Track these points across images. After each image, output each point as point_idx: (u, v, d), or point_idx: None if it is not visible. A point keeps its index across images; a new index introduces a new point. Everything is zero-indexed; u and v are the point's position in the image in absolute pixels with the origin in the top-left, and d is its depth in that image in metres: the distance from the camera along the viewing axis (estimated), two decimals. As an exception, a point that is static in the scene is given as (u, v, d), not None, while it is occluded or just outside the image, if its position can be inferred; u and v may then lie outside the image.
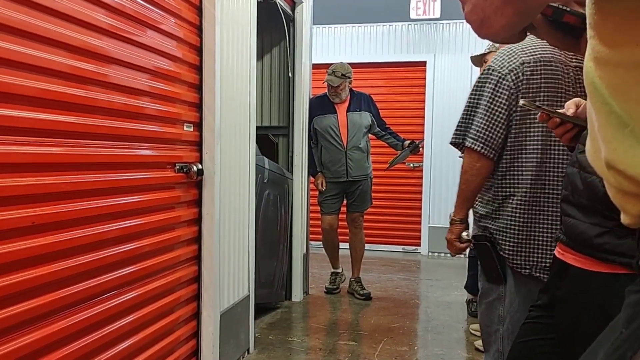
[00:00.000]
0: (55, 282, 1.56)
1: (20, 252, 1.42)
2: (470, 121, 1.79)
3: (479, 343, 3.13)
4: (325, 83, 4.08)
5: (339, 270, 4.42)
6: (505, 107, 1.69)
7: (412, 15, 5.95)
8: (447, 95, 5.98)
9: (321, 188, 4.16)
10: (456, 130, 1.85)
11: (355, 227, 4.34)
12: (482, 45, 3.33)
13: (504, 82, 1.69)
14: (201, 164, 2.39)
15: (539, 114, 1.17)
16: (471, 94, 1.82)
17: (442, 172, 5.93)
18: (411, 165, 6.17)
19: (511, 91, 1.69)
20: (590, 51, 0.53)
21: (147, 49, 2.02)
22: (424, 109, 6.11)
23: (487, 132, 1.71)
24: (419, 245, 6.21)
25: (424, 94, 6.10)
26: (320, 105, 4.15)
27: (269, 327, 3.42)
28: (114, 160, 1.84)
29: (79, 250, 1.66)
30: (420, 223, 6.20)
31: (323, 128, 4.11)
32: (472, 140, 1.74)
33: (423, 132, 6.10)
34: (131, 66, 1.92)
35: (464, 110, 1.84)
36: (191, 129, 2.36)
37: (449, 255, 6.20)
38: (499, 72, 1.71)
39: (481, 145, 1.72)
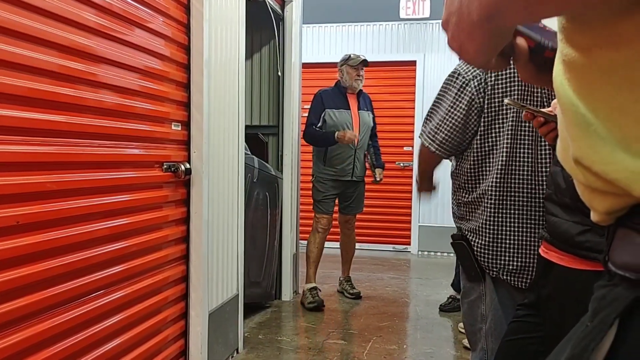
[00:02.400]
0: (41, 282, 1.55)
1: (4, 252, 1.40)
2: (431, 119, 1.86)
3: (467, 341, 3.15)
4: (352, 68, 3.92)
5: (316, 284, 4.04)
6: (463, 112, 1.73)
7: (402, 15, 5.97)
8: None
9: (353, 137, 3.83)
10: (422, 125, 1.91)
11: (349, 228, 4.24)
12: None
13: (467, 87, 1.73)
14: (189, 163, 2.38)
15: (524, 112, 1.18)
16: (438, 93, 1.87)
17: (431, 171, 5.94)
18: (401, 164, 6.19)
19: (472, 97, 1.73)
20: (559, 54, 0.54)
21: (135, 47, 2.01)
22: (414, 108, 6.13)
23: (442, 134, 1.77)
24: (409, 244, 6.23)
25: (414, 93, 6.12)
26: (334, 100, 3.96)
27: (258, 326, 3.42)
28: (101, 160, 1.82)
29: (65, 249, 1.65)
30: (410, 222, 6.22)
31: (338, 124, 3.89)
32: (428, 140, 1.80)
33: (413, 131, 6.12)
34: (119, 65, 1.90)
35: (430, 107, 1.90)
36: (179, 128, 2.35)
37: (439, 254, 6.24)
38: (464, 78, 1.75)
39: (436, 146, 1.79)
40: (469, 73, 1.73)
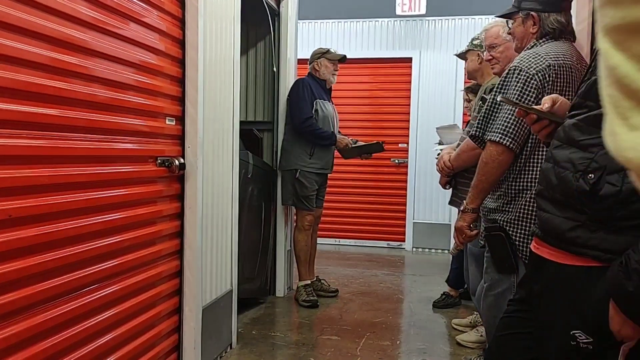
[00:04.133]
0: (35, 276, 1.55)
1: (-4, 246, 1.40)
2: (492, 117, 1.89)
3: (460, 337, 3.17)
4: (330, 62, 3.85)
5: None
6: (533, 102, 1.77)
7: (398, 12, 5.96)
8: (433, 92, 6.02)
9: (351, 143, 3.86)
10: (477, 124, 1.94)
11: (317, 223, 4.12)
12: (467, 42, 3.36)
13: (532, 81, 1.79)
14: (183, 158, 2.37)
15: (517, 110, 1.19)
16: (494, 92, 1.90)
17: (427, 168, 5.95)
18: (396, 161, 6.19)
19: (539, 90, 1.79)
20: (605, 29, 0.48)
21: (129, 41, 2.00)
22: (409, 105, 6.13)
23: (515, 127, 1.79)
24: (404, 241, 6.24)
25: (410, 90, 6.12)
26: (319, 90, 3.85)
27: (252, 322, 3.42)
28: (94, 154, 1.82)
29: (59, 243, 1.65)
30: (404, 219, 6.23)
31: (328, 115, 3.81)
32: (499, 135, 1.81)
33: (408, 127, 6.13)
34: (112, 59, 1.89)
35: (486, 106, 1.94)
36: (173, 123, 2.34)
37: (433, 251, 6.25)
38: (527, 72, 1.80)
39: (510, 139, 1.80)
40: (531, 68, 1.80)
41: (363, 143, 4.07)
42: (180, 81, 2.38)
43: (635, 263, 0.90)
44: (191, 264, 2.44)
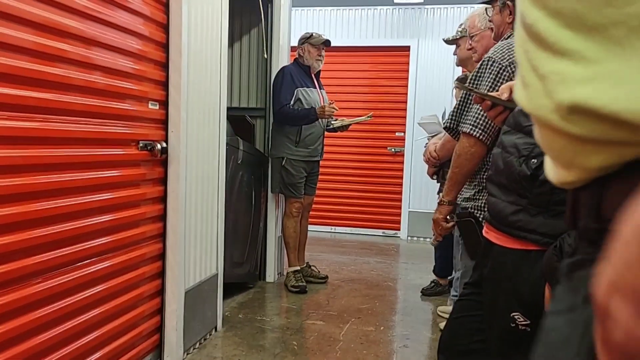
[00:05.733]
0: (19, 252, 1.60)
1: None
2: (466, 108, 1.88)
3: (444, 324, 3.20)
4: (313, 47, 3.84)
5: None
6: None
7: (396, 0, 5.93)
8: (431, 80, 6.00)
9: (332, 110, 3.75)
10: (450, 115, 1.94)
11: (309, 211, 4.15)
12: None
13: (505, 72, 1.78)
14: (166, 142, 2.40)
15: (474, 96, 1.20)
16: (469, 84, 1.90)
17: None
18: (392, 150, 6.20)
19: (511, 80, 1.78)
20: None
21: (113, 26, 2.02)
22: (406, 94, 6.13)
23: (485, 119, 1.78)
24: (399, 229, 6.27)
25: (407, 79, 6.11)
26: (302, 78, 3.83)
27: (240, 306, 3.47)
28: (76, 136, 1.85)
29: (41, 222, 1.70)
30: (400, 207, 6.25)
31: (311, 102, 3.79)
32: (470, 126, 1.81)
33: (405, 117, 6.12)
34: (96, 43, 1.92)
35: (461, 97, 1.94)
36: (157, 107, 2.37)
37: (428, 239, 6.28)
38: (500, 64, 1.80)
39: (480, 131, 1.80)
40: (504, 59, 1.79)
41: (349, 121, 4.04)
42: (164, 66, 2.40)
43: (567, 246, 0.92)
44: (174, 246, 2.48)
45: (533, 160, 1.07)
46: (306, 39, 3.89)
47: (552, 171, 0.57)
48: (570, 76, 0.47)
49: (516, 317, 1.08)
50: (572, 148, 0.50)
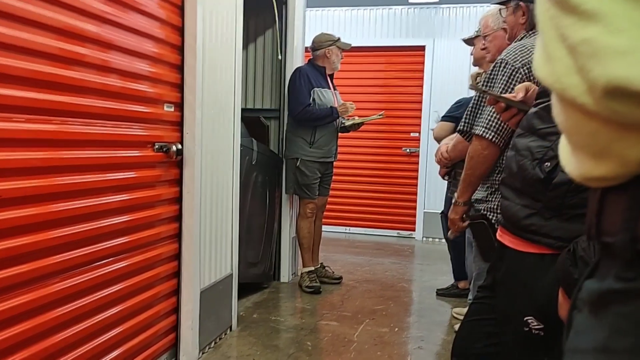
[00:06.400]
0: (38, 252, 1.64)
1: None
2: (479, 110, 1.88)
3: (458, 326, 3.18)
4: (337, 49, 3.87)
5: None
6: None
7: (411, -1, 5.91)
8: (446, 80, 5.96)
9: (352, 108, 3.80)
10: (464, 118, 1.93)
11: (323, 211, 4.17)
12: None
13: (518, 74, 1.77)
14: (181, 144, 2.42)
15: (487, 98, 1.20)
16: (483, 85, 1.90)
17: (438, 157, 5.92)
18: (407, 150, 6.18)
19: (524, 82, 1.75)
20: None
21: (129, 30, 2.05)
22: (421, 94, 6.10)
23: (498, 121, 1.77)
24: (414, 230, 6.24)
25: (422, 79, 6.08)
26: (317, 79, 3.85)
27: (254, 305, 3.49)
28: (93, 138, 1.88)
29: (59, 223, 1.73)
30: (415, 208, 6.22)
31: (326, 103, 3.81)
32: (483, 129, 1.80)
33: (420, 117, 6.10)
34: (112, 47, 1.95)
35: (473, 100, 1.93)
36: (172, 109, 2.39)
37: (443, 240, 6.22)
38: (513, 65, 1.79)
39: (492, 133, 1.79)
40: (517, 61, 1.78)
41: (361, 120, 4.07)
42: (179, 68, 2.43)
43: (581, 251, 0.91)
44: (189, 247, 2.50)
45: (547, 163, 1.06)
46: (334, 42, 3.92)
47: (573, 163, 0.47)
48: (602, 47, 0.37)
49: (529, 321, 1.07)
50: (608, 134, 0.40)
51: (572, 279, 0.94)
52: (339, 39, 3.95)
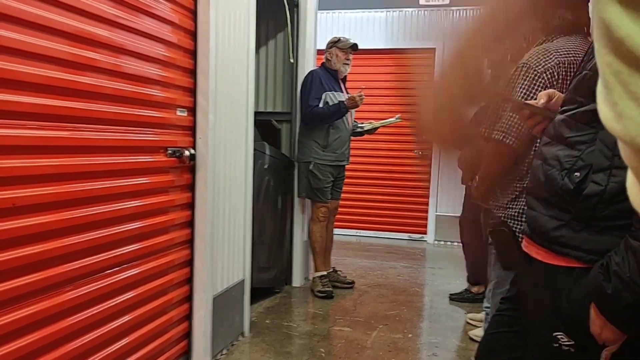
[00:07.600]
0: (52, 260, 1.63)
1: (12, 231, 1.47)
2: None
3: (473, 333, 3.14)
4: (341, 51, 3.83)
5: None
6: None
7: (422, 1, 5.87)
8: (457, 83, 5.91)
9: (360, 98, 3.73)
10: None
11: (334, 215, 4.13)
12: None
13: (540, 79, 1.74)
14: (194, 148, 2.40)
15: (511, 104, 1.16)
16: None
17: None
18: (419, 153, 6.14)
19: (546, 89, 1.72)
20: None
21: (142, 34, 2.03)
22: (433, 96, 6.04)
23: (518, 126, 1.74)
24: (425, 233, 6.20)
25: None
26: (329, 81, 3.83)
27: (266, 311, 3.46)
28: (106, 144, 1.87)
29: (72, 230, 1.72)
30: (427, 211, 6.18)
31: None
32: (502, 134, 1.77)
33: (431, 119, 6.04)
34: (125, 52, 1.93)
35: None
36: (185, 114, 2.37)
37: (455, 244, 6.18)
38: (535, 70, 1.76)
39: (512, 138, 1.76)
40: (540, 66, 1.75)
41: (378, 123, 4.03)
42: (192, 72, 2.41)
43: (615, 265, 0.88)
44: (201, 253, 2.48)
45: (576, 173, 1.02)
46: (334, 43, 3.88)
47: None
48: None
49: (559, 336, 1.03)
50: None
51: (605, 294, 0.90)
52: (339, 40, 3.90)
